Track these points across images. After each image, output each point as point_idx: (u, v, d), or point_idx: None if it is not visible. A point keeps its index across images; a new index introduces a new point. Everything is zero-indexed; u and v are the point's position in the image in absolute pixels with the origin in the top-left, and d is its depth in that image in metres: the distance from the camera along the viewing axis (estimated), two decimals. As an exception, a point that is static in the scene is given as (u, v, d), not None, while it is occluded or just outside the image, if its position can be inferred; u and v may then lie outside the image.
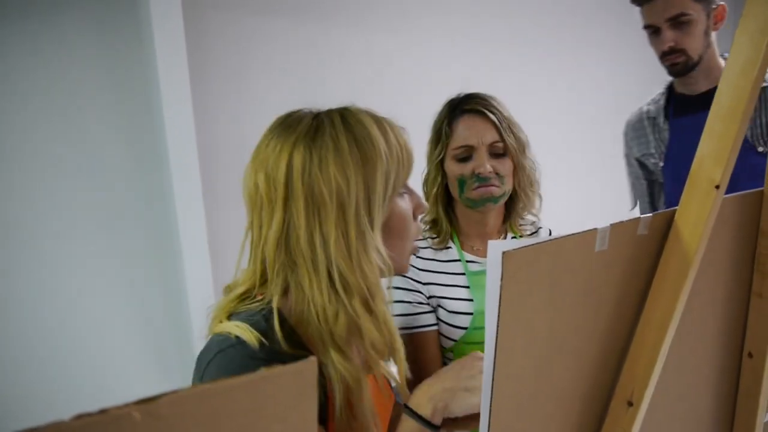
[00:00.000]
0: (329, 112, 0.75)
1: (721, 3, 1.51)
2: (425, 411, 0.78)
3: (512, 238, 1.25)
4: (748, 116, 0.64)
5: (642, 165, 1.84)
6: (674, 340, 0.71)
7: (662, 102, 1.75)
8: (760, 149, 1.50)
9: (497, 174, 1.15)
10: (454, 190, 1.19)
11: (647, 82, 3.73)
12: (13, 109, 2.23)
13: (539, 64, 3.34)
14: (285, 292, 0.74)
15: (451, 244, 1.22)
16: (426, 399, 0.79)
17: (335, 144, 0.70)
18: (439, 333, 1.19)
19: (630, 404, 0.72)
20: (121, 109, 2.40)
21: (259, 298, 0.75)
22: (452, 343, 1.17)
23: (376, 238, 0.72)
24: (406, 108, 3.14)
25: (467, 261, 1.20)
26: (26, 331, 2.33)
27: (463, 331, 1.16)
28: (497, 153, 1.15)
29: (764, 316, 0.85)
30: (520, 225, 1.26)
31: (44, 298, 2.36)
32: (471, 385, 0.79)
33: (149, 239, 2.47)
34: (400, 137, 0.76)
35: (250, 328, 0.69)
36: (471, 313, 1.16)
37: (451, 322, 1.17)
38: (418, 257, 1.21)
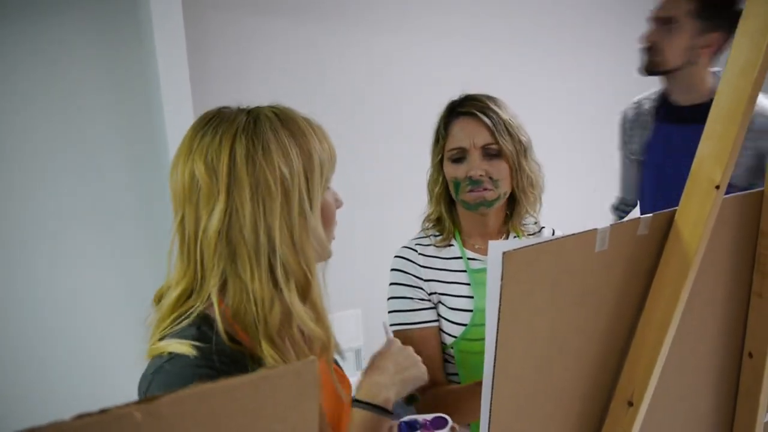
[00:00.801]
0: (260, 108, 0.77)
1: (718, 34, 1.49)
2: (380, 400, 0.82)
3: (514, 237, 1.25)
4: (748, 117, 0.64)
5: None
6: (674, 340, 0.71)
7: (655, 103, 1.77)
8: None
9: (490, 177, 1.14)
10: (452, 192, 1.19)
11: (647, 82, 3.73)
12: (13, 109, 2.23)
13: (539, 64, 3.34)
14: (223, 285, 0.73)
15: (453, 241, 1.22)
16: (377, 390, 0.83)
17: (275, 136, 0.72)
18: (440, 329, 1.19)
19: (630, 404, 0.72)
20: (121, 109, 2.40)
21: (192, 306, 0.74)
22: (452, 339, 1.17)
23: (317, 224, 0.75)
24: (406, 108, 3.14)
25: (469, 258, 1.21)
26: (26, 331, 2.33)
27: (463, 328, 1.16)
28: (491, 155, 1.15)
29: (764, 316, 0.85)
30: (523, 225, 1.26)
31: (44, 298, 2.35)
32: (409, 364, 0.86)
33: (149, 239, 2.47)
34: (325, 134, 0.79)
35: (181, 341, 0.69)
36: (471, 310, 1.16)
37: (451, 319, 1.17)
38: (420, 254, 1.22)
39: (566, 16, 3.41)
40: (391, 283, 1.22)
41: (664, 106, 1.70)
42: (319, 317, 0.76)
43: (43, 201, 2.30)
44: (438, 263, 1.21)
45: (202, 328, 0.71)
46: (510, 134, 1.15)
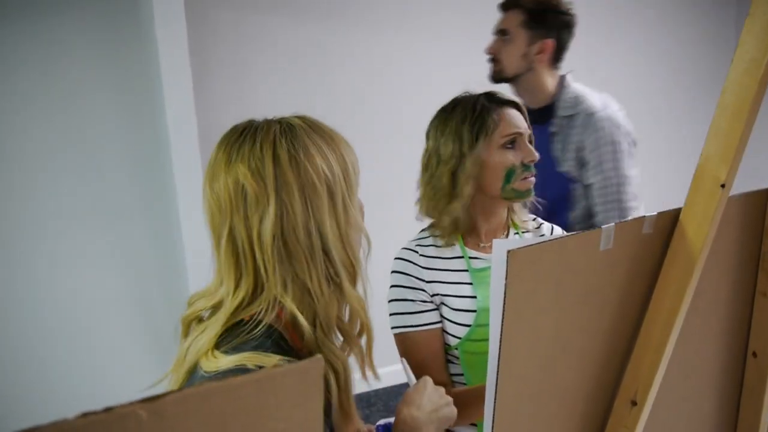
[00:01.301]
0: (289, 118, 0.79)
1: (550, 40, 1.66)
2: None
3: (515, 234, 1.24)
4: (754, 115, 0.64)
5: None
6: (679, 340, 0.70)
7: None
8: (564, 169, 1.67)
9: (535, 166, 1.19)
10: (497, 182, 1.14)
11: (647, 83, 3.73)
12: (14, 109, 2.23)
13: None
14: (283, 288, 0.73)
15: (453, 241, 1.21)
16: (417, 425, 0.82)
17: (311, 139, 0.75)
18: (444, 331, 1.18)
19: (634, 403, 0.72)
20: (122, 109, 2.39)
21: (255, 313, 0.73)
22: (457, 340, 1.16)
23: (358, 216, 0.78)
24: (407, 107, 3.13)
25: (470, 258, 1.20)
26: (26, 331, 2.33)
27: (467, 329, 1.15)
28: (531, 143, 1.19)
29: (768, 316, 0.85)
30: (522, 221, 1.26)
31: (44, 298, 2.35)
32: (444, 403, 0.86)
33: (151, 239, 2.47)
34: (348, 142, 0.82)
35: (268, 354, 0.68)
36: (474, 311, 1.15)
37: (455, 320, 1.16)
38: (421, 255, 1.20)
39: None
40: (392, 286, 1.21)
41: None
42: (363, 308, 0.79)
43: (43, 201, 2.30)
44: (439, 264, 1.20)
45: (274, 338, 0.71)
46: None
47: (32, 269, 2.32)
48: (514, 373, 0.61)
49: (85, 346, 2.42)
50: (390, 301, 1.20)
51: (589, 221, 1.68)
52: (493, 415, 0.60)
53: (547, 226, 1.30)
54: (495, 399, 0.60)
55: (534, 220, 1.30)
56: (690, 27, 3.83)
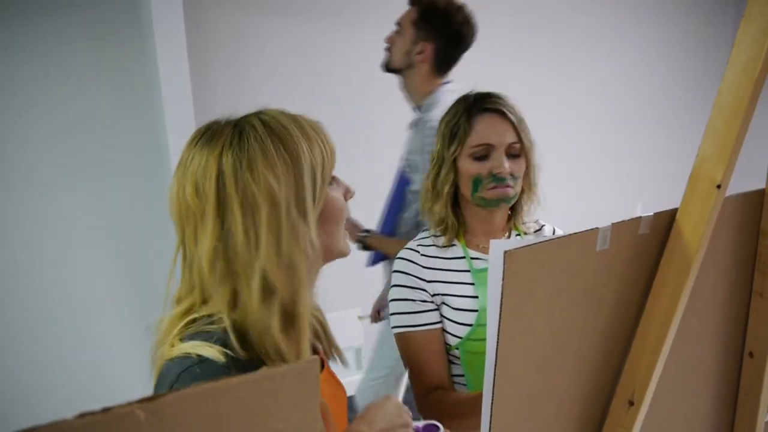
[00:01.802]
0: (247, 118, 0.76)
1: (430, 44, 1.72)
2: None
3: (516, 236, 1.24)
4: (750, 115, 0.64)
5: None
6: (675, 340, 0.71)
7: None
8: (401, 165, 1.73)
9: (512, 175, 1.15)
10: (467, 189, 1.17)
11: (646, 83, 3.74)
12: (15, 111, 2.23)
13: (538, 64, 3.34)
14: (234, 303, 0.73)
15: (455, 241, 1.21)
16: None
17: (261, 147, 0.72)
18: (445, 331, 1.19)
19: (631, 404, 0.72)
20: (121, 110, 2.39)
21: (204, 315, 0.74)
22: (458, 340, 1.16)
23: (310, 232, 0.74)
24: (407, 107, 3.13)
25: (472, 258, 1.20)
26: (27, 331, 2.33)
27: (468, 328, 1.15)
28: (514, 154, 1.16)
29: (765, 316, 0.85)
30: (524, 223, 1.26)
31: (45, 300, 2.35)
32: (400, 423, 0.81)
33: (149, 240, 2.47)
34: (320, 132, 0.78)
35: (211, 344, 0.69)
36: (476, 311, 1.16)
37: (456, 320, 1.17)
38: (422, 255, 1.21)
39: (565, 17, 3.41)
40: (393, 285, 1.21)
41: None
42: (299, 337, 0.75)
43: (43, 201, 2.30)
44: (441, 264, 1.20)
45: (224, 336, 0.71)
46: (528, 133, 1.17)
47: (34, 271, 2.32)
48: (512, 373, 0.62)
49: (83, 346, 2.42)
50: (391, 300, 1.21)
51: (417, 227, 1.69)
52: (491, 415, 0.61)
53: (549, 228, 1.30)
54: (492, 400, 0.60)
55: (536, 222, 1.29)
56: (688, 27, 3.83)
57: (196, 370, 0.67)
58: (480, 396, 1.05)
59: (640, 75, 3.68)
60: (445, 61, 1.75)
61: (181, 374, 0.68)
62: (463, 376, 1.20)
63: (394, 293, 1.20)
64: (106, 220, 2.39)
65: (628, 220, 0.67)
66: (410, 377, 1.19)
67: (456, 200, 1.21)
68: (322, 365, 0.89)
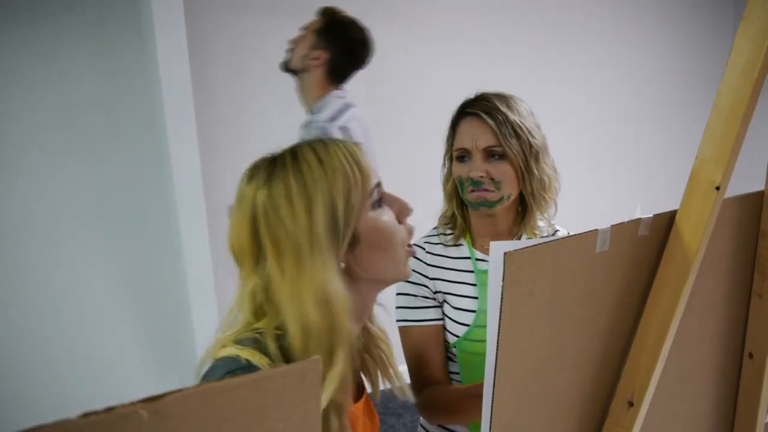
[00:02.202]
0: (283, 153, 0.78)
1: (325, 53, 1.86)
2: None
3: (527, 239, 1.24)
4: (749, 117, 0.65)
5: None
6: (675, 341, 0.71)
7: None
8: None
9: (492, 179, 1.13)
10: (459, 190, 1.19)
11: (646, 84, 3.74)
12: (15, 111, 2.23)
13: (538, 64, 3.34)
14: (280, 334, 0.74)
15: (462, 241, 1.22)
16: None
17: (285, 186, 0.74)
18: (444, 328, 1.20)
19: (631, 404, 0.72)
20: (122, 110, 2.40)
21: (258, 326, 0.75)
22: (455, 339, 1.18)
23: (327, 266, 0.72)
24: (407, 108, 3.13)
25: (477, 259, 1.21)
26: (29, 332, 2.33)
27: (466, 328, 1.16)
28: (495, 157, 1.14)
29: (765, 317, 0.85)
30: (537, 228, 1.24)
31: (46, 300, 2.36)
32: None
33: (150, 239, 2.47)
34: (350, 157, 0.77)
35: (259, 353, 0.70)
36: (475, 311, 1.17)
37: (455, 318, 1.18)
38: (427, 252, 1.22)
39: (565, 18, 3.41)
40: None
41: None
42: (337, 364, 0.73)
43: (43, 203, 2.31)
44: (445, 262, 1.21)
45: (271, 346, 0.72)
46: (518, 137, 1.12)
47: (34, 272, 2.32)
48: (512, 374, 0.62)
49: (85, 346, 2.42)
50: (396, 294, 1.23)
51: None
52: (491, 416, 0.61)
53: (563, 233, 1.29)
54: (492, 401, 0.60)
55: (551, 226, 1.27)
56: (688, 28, 3.84)
57: (240, 374, 0.68)
58: (474, 388, 1.06)
59: (640, 76, 3.69)
60: (337, 72, 1.90)
61: (226, 375, 0.69)
62: (458, 374, 1.21)
63: (398, 287, 1.23)
64: (106, 221, 2.40)
65: (628, 221, 0.67)
66: (409, 371, 1.20)
67: (462, 199, 1.22)
68: (361, 396, 0.88)
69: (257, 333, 0.73)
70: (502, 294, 0.57)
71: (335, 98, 1.88)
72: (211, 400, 0.35)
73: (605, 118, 3.62)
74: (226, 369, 0.69)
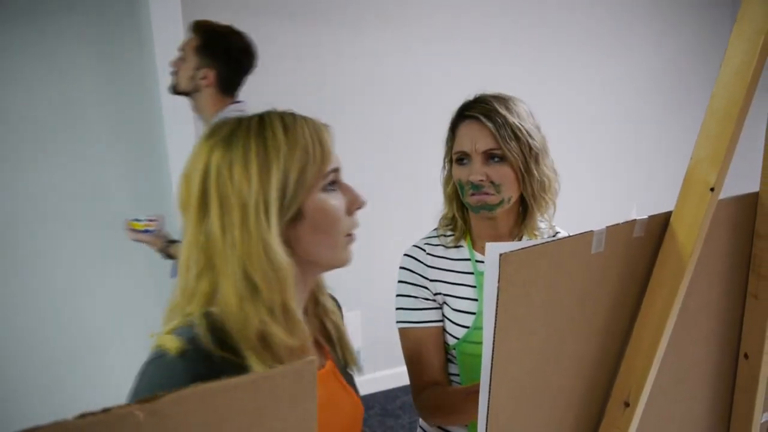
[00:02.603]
0: (251, 117, 0.78)
1: (212, 71, 1.86)
2: None
3: (527, 241, 1.24)
4: (743, 118, 0.65)
5: None
6: (670, 341, 0.71)
7: None
8: None
9: (492, 182, 1.13)
10: (459, 193, 1.19)
11: (644, 85, 3.74)
12: (15, 111, 2.23)
13: (538, 65, 3.35)
14: (213, 297, 0.75)
15: (462, 242, 1.22)
16: None
17: (245, 147, 0.74)
18: (444, 330, 1.20)
19: (627, 405, 0.72)
20: (122, 110, 2.40)
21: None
22: (455, 340, 1.18)
23: (270, 235, 0.73)
24: (407, 109, 3.13)
25: (477, 261, 1.21)
26: (27, 332, 2.33)
27: (466, 330, 1.16)
28: (495, 160, 1.13)
29: (760, 318, 0.86)
30: (537, 229, 1.24)
31: (46, 300, 2.36)
32: None
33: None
34: (316, 135, 0.78)
35: (177, 338, 0.71)
36: (474, 313, 1.17)
37: (454, 320, 1.18)
38: (427, 254, 1.22)
39: (567, 18, 3.41)
40: (399, 281, 1.23)
41: None
42: (294, 327, 0.75)
43: (43, 202, 2.31)
44: (445, 264, 1.22)
45: (196, 330, 0.72)
46: (517, 139, 1.12)
47: (34, 272, 2.32)
48: (508, 375, 0.62)
49: (85, 346, 2.42)
50: (396, 296, 1.23)
51: None
52: (487, 417, 0.61)
53: (563, 234, 1.29)
54: (488, 401, 0.61)
55: (551, 228, 1.27)
56: (686, 29, 3.84)
57: (158, 362, 0.70)
58: (473, 388, 1.06)
59: (640, 76, 3.69)
60: (228, 85, 1.90)
61: (147, 364, 0.71)
62: (458, 375, 1.21)
63: (398, 289, 1.23)
64: (105, 221, 2.40)
65: (623, 222, 0.67)
66: (408, 372, 1.21)
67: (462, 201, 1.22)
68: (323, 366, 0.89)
69: (190, 320, 0.74)
70: (497, 295, 0.57)
71: (234, 112, 1.90)
72: (209, 400, 0.36)
73: (605, 118, 3.62)
74: (148, 359, 0.72)
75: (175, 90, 1.91)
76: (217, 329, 0.72)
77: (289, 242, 0.76)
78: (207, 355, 0.70)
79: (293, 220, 0.76)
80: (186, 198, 0.76)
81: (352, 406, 0.92)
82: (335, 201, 0.79)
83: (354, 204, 0.82)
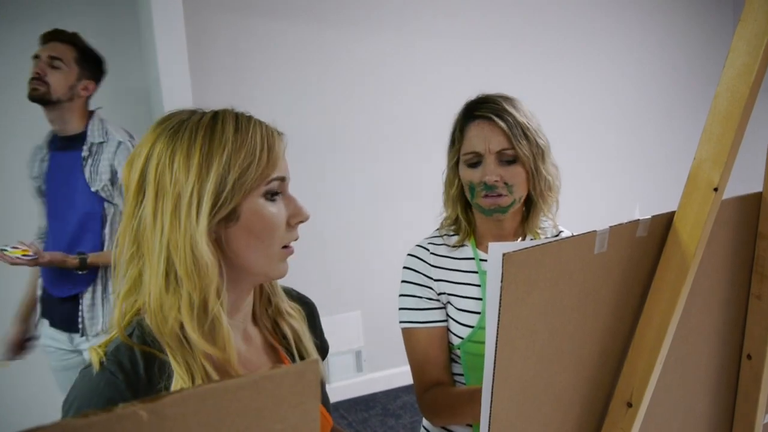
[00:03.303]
0: (207, 112, 0.78)
1: (93, 82, 1.95)
2: None
3: (531, 240, 1.24)
4: (746, 119, 0.65)
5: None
6: (673, 342, 0.71)
7: (49, 134, 2.02)
8: (96, 188, 1.88)
9: (505, 183, 1.12)
10: (467, 195, 1.18)
11: (647, 85, 3.74)
12: (15, 111, 2.23)
13: (538, 65, 3.35)
14: (138, 286, 0.76)
15: (466, 242, 1.22)
16: None
17: (189, 140, 0.74)
18: (448, 330, 1.20)
19: (629, 405, 0.72)
20: (122, 111, 2.40)
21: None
22: (460, 340, 1.18)
23: (197, 232, 0.72)
24: (406, 109, 3.13)
25: (481, 260, 1.21)
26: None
27: (470, 330, 1.16)
28: (507, 160, 1.13)
29: (763, 318, 0.86)
30: (541, 228, 1.24)
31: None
32: None
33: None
34: (264, 139, 0.77)
35: (98, 349, 0.73)
36: (479, 312, 1.17)
37: (459, 320, 1.18)
38: (431, 253, 1.22)
39: (568, 18, 3.41)
40: (402, 281, 1.23)
41: (53, 137, 2.00)
42: (215, 332, 0.74)
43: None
44: (449, 263, 1.21)
45: (123, 340, 0.75)
46: (527, 138, 1.12)
47: (31, 270, 2.32)
48: (511, 375, 0.62)
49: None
50: (399, 296, 1.23)
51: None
52: (489, 417, 0.61)
53: (566, 234, 1.29)
54: (491, 401, 0.61)
55: (554, 227, 1.27)
56: (688, 29, 3.84)
57: (84, 373, 0.73)
58: (476, 390, 1.06)
59: (639, 76, 3.69)
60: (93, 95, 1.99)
61: (79, 372, 0.74)
62: (462, 375, 1.20)
63: (402, 289, 1.22)
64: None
65: (626, 223, 0.67)
66: (412, 372, 1.20)
67: (467, 202, 1.21)
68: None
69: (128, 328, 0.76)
70: (500, 295, 0.57)
71: (102, 119, 1.96)
72: (210, 400, 0.36)
73: (608, 119, 3.62)
74: (82, 368, 0.74)
75: (44, 98, 1.86)
76: (145, 331, 0.75)
77: (220, 242, 0.76)
78: (131, 362, 0.72)
79: (227, 220, 0.75)
80: (127, 182, 0.76)
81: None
82: (274, 209, 0.78)
83: (296, 217, 0.80)
